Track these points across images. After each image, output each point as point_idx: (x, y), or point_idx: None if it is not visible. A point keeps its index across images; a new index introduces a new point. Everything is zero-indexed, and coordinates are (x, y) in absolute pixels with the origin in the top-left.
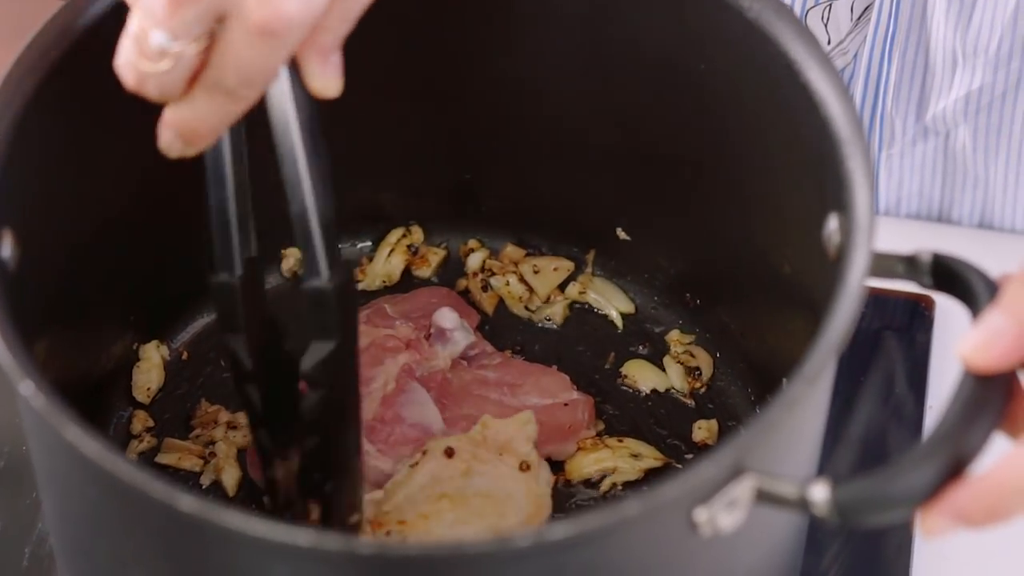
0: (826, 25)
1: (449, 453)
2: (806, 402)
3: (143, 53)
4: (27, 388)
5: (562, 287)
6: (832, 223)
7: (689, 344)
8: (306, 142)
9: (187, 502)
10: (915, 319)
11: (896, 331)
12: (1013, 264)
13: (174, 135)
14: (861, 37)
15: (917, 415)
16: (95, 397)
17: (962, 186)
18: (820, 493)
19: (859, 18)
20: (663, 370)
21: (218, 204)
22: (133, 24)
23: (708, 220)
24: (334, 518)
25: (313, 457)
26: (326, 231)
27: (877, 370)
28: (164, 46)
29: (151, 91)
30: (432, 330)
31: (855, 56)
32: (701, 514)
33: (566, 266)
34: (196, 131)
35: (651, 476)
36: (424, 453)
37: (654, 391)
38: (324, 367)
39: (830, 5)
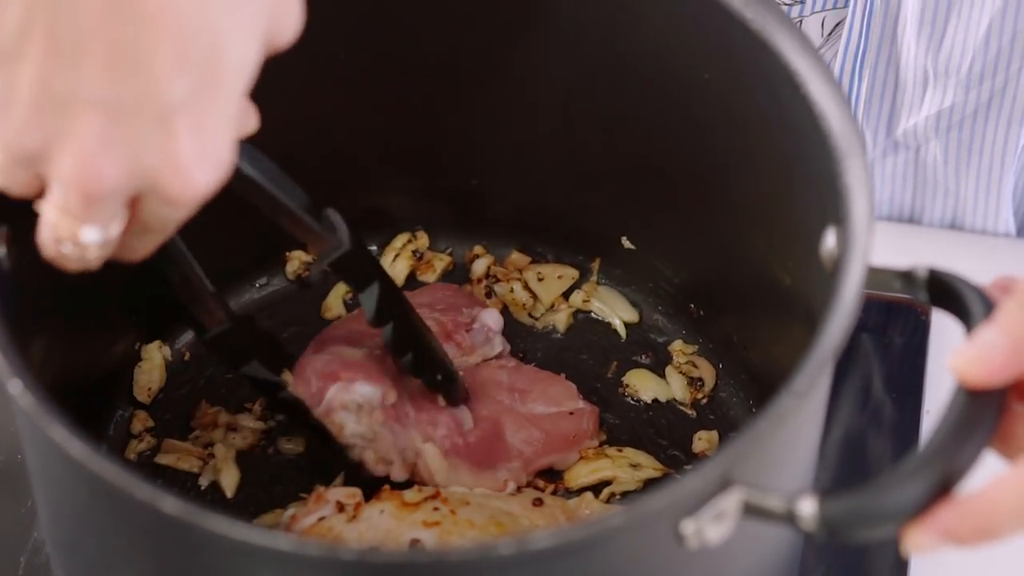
0: None
1: (537, 503)
2: (797, 416)
3: (74, 245)
4: (15, 387)
5: (566, 295)
6: (830, 236)
7: (692, 355)
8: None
9: (170, 504)
10: (898, 322)
11: (878, 334)
12: (984, 265)
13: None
14: (832, 52)
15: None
16: (96, 396)
17: (932, 195)
18: (807, 507)
19: (830, 33)
20: (665, 380)
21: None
22: (51, 222)
23: (711, 230)
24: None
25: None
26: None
27: (858, 374)
28: (96, 239)
29: (76, 267)
30: (475, 326)
31: None
32: (688, 526)
33: (570, 274)
34: (133, 254)
35: (650, 487)
36: (519, 489)
37: (655, 400)
38: (380, 306)
39: (801, 20)
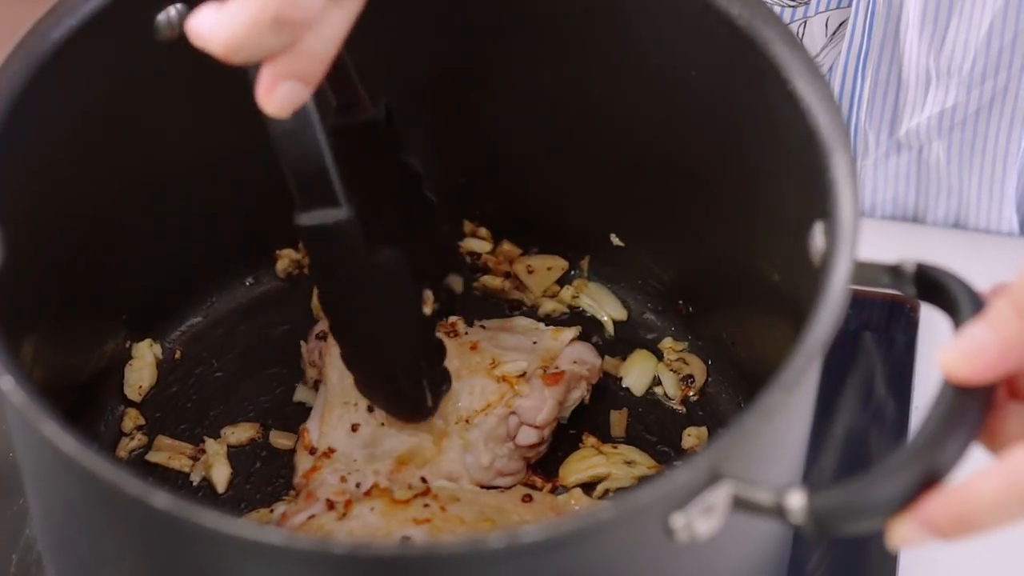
0: (801, 40)
1: (527, 499)
2: (785, 410)
3: (296, 6)
4: (7, 383)
5: (559, 284)
6: (817, 231)
7: (682, 351)
8: None
9: (161, 499)
10: (900, 321)
11: (881, 332)
12: (987, 264)
13: (293, 83)
14: (836, 51)
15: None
16: (87, 394)
17: (936, 195)
18: (796, 501)
19: (834, 33)
20: (655, 375)
21: (313, 149)
22: None
23: (699, 227)
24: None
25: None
26: None
27: (861, 371)
28: None
29: (278, 44)
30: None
31: (829, 70)
32: (677, 520)
33: (560, 264)
34: (319, 59)
35: (645, 483)
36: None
37: (645, 396)
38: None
39: (806, 21)
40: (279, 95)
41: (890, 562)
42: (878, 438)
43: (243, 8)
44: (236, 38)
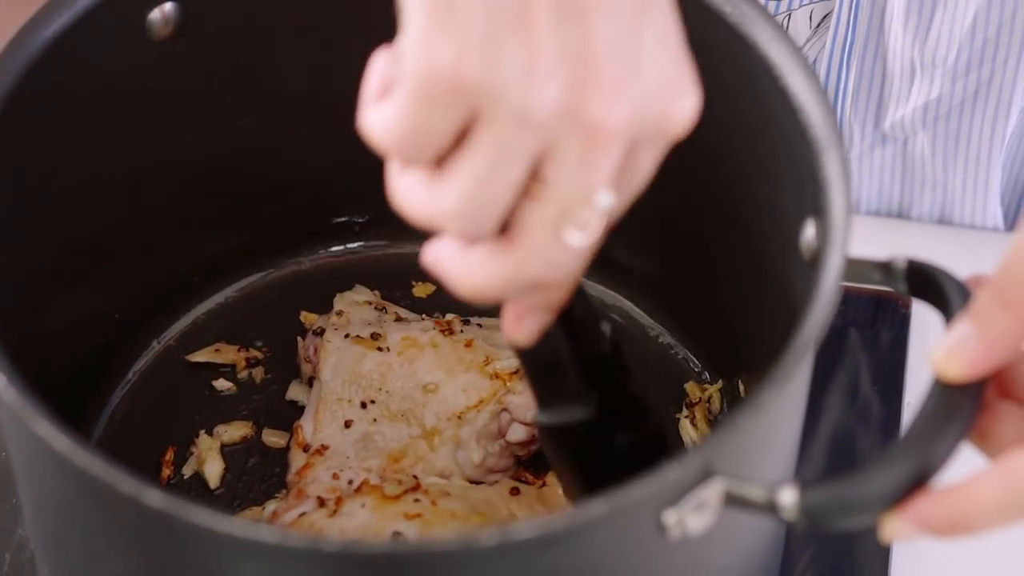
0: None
1: (514, 492)
2: (776, 406)
3: (583, 224)
4: None
5: None
6: (809, 228)
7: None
8: None
9: (153, 497)
10: (886, 317)
11: (866, 328)
12: (972, 259)
13: (542, 315)
14: (820, 44)
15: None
16: (80, 391)
17: (920, 189)
18: (788, 497)
19: (818, 26)
20: None
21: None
22: (558, 201)
23: (690, 224)
24: None
25: None
26: None
27: (846, 368)
28: (611, 202)
29: (575, 264)
30: None
31: (814, 63)
32: (670, 516)
33: None
34: (565, 291)
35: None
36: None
37: None
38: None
39: (790, 14)
40: (527, 327)
41: (882, 559)
42: (864, 435)
43: (497, 265)
44: (485, 290)
